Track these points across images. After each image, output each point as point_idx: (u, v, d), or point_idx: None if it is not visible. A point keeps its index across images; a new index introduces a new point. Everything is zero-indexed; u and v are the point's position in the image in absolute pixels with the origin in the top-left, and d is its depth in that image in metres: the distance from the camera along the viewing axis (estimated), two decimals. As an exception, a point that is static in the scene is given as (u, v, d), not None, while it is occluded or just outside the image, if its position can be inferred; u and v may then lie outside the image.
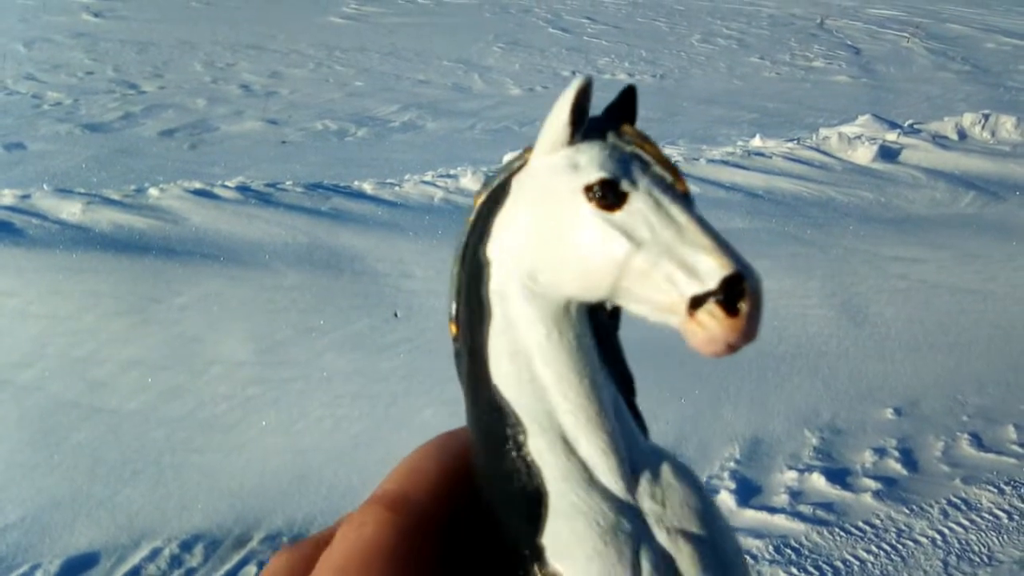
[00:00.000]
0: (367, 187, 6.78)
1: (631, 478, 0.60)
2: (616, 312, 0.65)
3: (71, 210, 5.72)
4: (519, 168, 0.62)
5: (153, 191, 6.17)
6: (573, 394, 0.60)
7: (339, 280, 5.18)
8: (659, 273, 0.54)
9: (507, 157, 0.66)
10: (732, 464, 4.05)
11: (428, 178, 7.15)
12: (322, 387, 4.31)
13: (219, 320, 4.70)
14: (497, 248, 0.61)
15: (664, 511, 0.60)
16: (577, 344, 0.60)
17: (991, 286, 5.83)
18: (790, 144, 8.80)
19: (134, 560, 3.35)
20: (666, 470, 0.62)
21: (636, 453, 0.61)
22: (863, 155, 8.41)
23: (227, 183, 6.50)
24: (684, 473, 0.62)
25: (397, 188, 6.83)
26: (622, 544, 0.58)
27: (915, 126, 9.62)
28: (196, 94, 11.98)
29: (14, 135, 9.68)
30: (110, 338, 4.50)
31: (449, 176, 7.20)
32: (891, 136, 9.01)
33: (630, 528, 0.58)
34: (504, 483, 0.61)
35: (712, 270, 0.52)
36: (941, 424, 4.45)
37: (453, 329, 0.65)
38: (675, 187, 0.57)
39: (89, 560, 3.34)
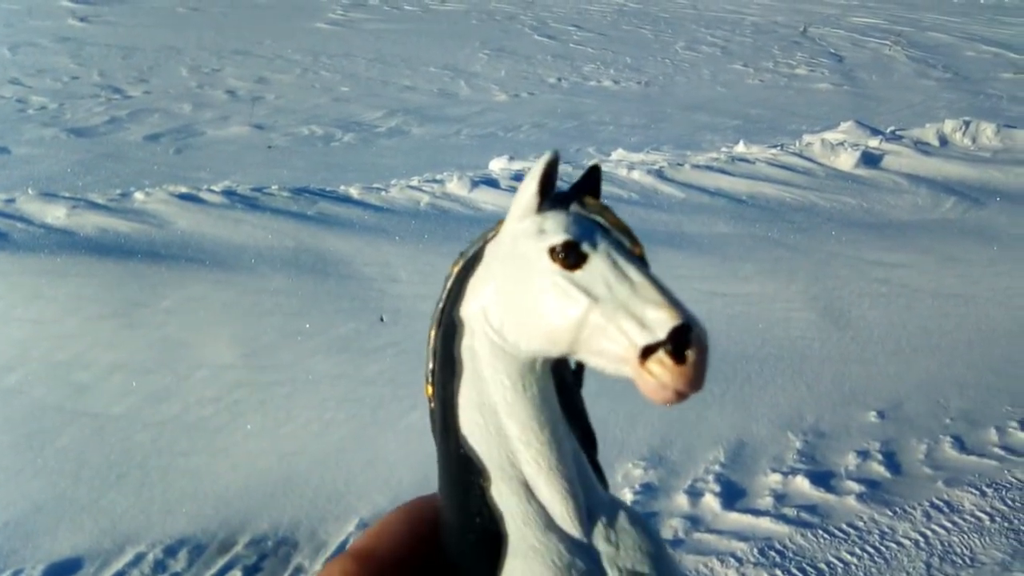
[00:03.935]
0: (353, 192, 6.78)
1: (588, 522, 0.64)
2: (579, 373, 0.71)
3: (56, 214, 5.70)
4: (492, 237, 0.67)
5: (138, 195, 6.16)
6: (535, 442, 0.64)
7: (325, 284, 5.18)
8: (614, 326, 0.58)
9: (482, 232, 0.72)
10: (716, 467, 4.07)
11: (414, 183, 7.16)
12: (308, 390, 4.31)
13: (204, 324, 4.69)
14: (469, 309, 0.66)
15: (618, 553, 0.64)
16: (540, 397, 0.65)
17: (972, 290, 5.88)
18: (773, 150, 8.86)
19: (117, 566, 3.33)
20: (622, 517, 0.66)
21: (594, 500, 0.66)
22: (846, 161, 8.47)
23: (213, 187, 6.49)
24: (638, 520, 0.67)
25: (383, 193, 6.83)
26: None
27: (897, 132, 9.70)
28: (182, 99, 11.95)
29: (-2, 139, 9.63)
30: (94, 342, 4.48)
31: (435, 181, 7.22)
32: (873, 142, 9.08)
33: (584, 567, 0.62)
34: (466, 526, 0.65)
35: (661, 321, 0.56)
36: (924, 427, 4.48)
37: (428, 390, 0.71)
38: (632, 250, 0.62)
39: (72, 566, 3.32)
